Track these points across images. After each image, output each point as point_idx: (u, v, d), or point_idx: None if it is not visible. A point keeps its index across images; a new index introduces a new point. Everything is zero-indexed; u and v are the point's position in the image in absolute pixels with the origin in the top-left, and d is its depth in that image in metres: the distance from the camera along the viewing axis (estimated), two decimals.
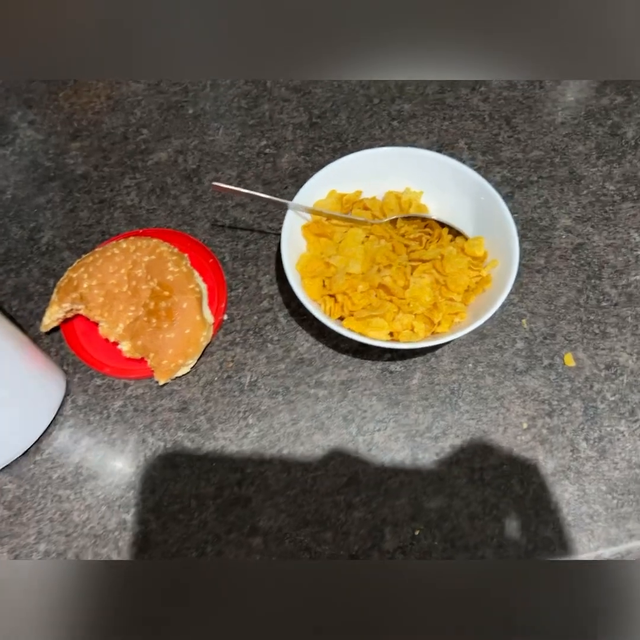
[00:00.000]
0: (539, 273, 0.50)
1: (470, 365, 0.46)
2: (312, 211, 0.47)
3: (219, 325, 0.48)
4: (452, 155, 0.56)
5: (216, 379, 0.47)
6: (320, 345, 0.47)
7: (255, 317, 0.49)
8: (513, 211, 0.53)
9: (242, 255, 0.52)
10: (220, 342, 0.48)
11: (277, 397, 0.46)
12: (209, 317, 0.47)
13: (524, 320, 0.48)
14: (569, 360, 0.46)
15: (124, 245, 0.47)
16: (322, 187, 0.48)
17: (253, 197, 0.45)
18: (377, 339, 0.42)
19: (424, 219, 0.48)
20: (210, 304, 0.48)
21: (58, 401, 0.45)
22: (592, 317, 0.48)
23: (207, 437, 0.44)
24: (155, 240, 0.48)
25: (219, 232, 0.53)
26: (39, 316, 0.49)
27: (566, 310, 0.48)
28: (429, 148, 0.57)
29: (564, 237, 0.52)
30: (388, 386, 0.46)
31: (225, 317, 0.49)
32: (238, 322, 0.49)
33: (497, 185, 0.54)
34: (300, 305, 0.46)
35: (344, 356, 0.47)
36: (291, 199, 0.54)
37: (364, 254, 0.45)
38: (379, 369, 0.46)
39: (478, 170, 0.55)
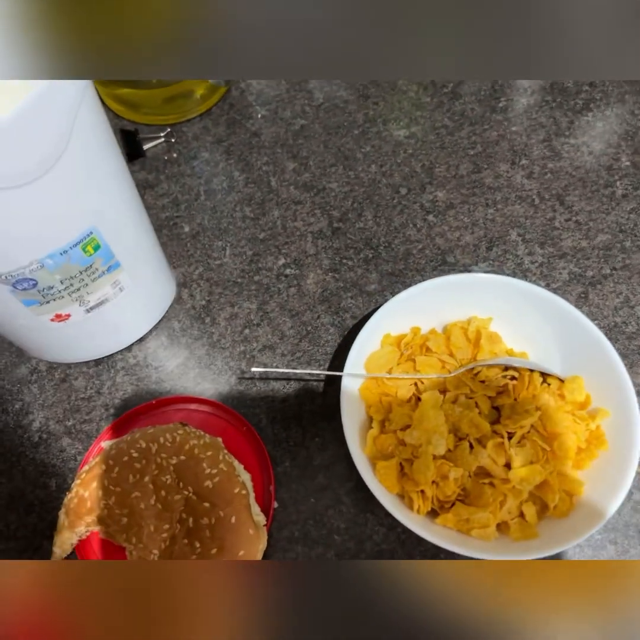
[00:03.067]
0: None
1: None
2: (371, 376, 0.38)
3: (271, 519, 0.39)
4: (505, 252, 0.48)
5: None
6: (400, 531, 0.39)
7: (312, 500, 0.40)
8: (592, 317, 0.45)
9: (282, 415, 0.43)
10: (276, 540, 0.39)
11: None
12: (261, 519, 0.38)
13: None
14: None
15: (143, 444, 0.37)
16: (372, 336, 0.40)
17: (298, 377, 0.36)
18: (481, 539, 0.34)
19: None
20: (257, 494, 0.39)
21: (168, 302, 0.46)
22: None
23: None
24: (180, 432, 0.38)
25: (248, 387, 0.44)
26: (46, 534, 0.39)
27: None
28: (477, 245, 0.48)
29: None
30: None
31: (276, 504, 0.40)
32: (292, 509, 0.40)
33: (565, 285, 0.46)
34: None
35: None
36: (328, 331, 0.45)
37: (445, 423, 0.36)
38: None
39: (540, 267, 0.47)
